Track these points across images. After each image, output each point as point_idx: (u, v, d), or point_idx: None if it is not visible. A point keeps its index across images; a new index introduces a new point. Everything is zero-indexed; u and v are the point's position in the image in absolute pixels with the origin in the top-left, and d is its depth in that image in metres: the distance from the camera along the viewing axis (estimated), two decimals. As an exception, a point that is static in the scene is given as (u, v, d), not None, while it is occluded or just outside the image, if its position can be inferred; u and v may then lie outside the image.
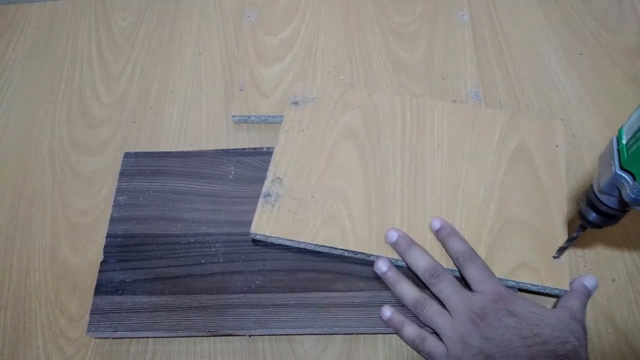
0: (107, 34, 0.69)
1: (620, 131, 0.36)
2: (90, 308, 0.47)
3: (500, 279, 0.45)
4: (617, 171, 0.35)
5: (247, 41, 0.65)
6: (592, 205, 0.39)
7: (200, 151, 0.57)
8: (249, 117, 0.59)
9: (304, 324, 0.46)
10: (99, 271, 0.49)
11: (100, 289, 0.48)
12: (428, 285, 0.45)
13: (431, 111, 0.56)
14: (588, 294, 0.45)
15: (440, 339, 0.43)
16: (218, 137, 0.59)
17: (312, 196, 0.50)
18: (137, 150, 0.57)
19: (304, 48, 0.64)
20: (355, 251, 0.48)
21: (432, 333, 0.44)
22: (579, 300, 0.44)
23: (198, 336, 0.47)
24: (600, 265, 0.50)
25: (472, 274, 0.44)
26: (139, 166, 0.55)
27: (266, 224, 0.49)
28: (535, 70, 0.63)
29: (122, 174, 0.55)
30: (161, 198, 0.53)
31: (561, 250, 0.46)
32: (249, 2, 0.69)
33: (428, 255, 0.46)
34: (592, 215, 0.39)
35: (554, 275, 0.46)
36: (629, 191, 0.34)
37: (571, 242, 0.44)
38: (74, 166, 0.58)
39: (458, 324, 0.42)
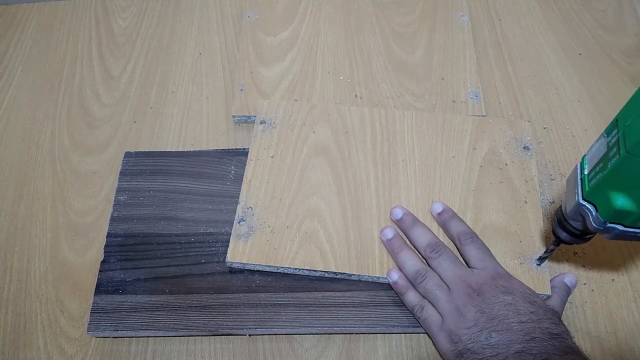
0: (108, 34, 0.69)
1: (583, 159, 0.36)
2: (91, 307, 0.47)
3: None
4: (581, 201, 0.35)
5: (247, 41, 0.65)
6: (562, 225, 0.40)
7: (200, 151, 0.57)
8: (249, 117, 0.59)
9: (303, 324, 0.46)
10: (100, 270, 0.49)
11: (100, 288, 0.48)
12: (428, 260, 0.46)
13: (400, 121, 0.55)
14: (568, 291, 0.46)
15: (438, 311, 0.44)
16: (218, 137, 0.59)
17: (287, 219, 0.49)
18: (137, 150, 0.57)
19: (304, 48, 0.64)
20: (335, 272, 0.47)
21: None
22: (559, 297, 0.45)
23: (198, 336, 0.47)
24: (600, 265, 0.50)
25: (472, 252, 0.45)
26: (140, 166, 0.55)
27: (242, 251, 0.48)
28: (534, 70, 0.63)
29: (123, 173, 0.55)
30: (162, 198, 0.53)
31: (541, 259, 0.46)
32: (249, 2, 0.69)
33: (431, 233, 0.48)
34: (563, 235, 0.40)
35: (535, 281, 0.46)
36: (592, 221, 0.35)
37: (549, 253, 0.45)
38: (74, 166, 0.58)
39: (455, 296, 0.43)
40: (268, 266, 0.48)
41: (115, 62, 0.66)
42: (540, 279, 0.46)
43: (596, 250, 0.50)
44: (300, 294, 0.47)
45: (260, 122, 0.56)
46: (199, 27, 0.69)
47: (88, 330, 0.46)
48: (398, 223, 0.49)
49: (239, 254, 0.48)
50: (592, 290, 0.49)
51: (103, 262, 0.49)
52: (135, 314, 0.46)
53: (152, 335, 0.47)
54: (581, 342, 0.46)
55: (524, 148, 0.53)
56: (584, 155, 0.36)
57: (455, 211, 0.49)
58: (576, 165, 0.37)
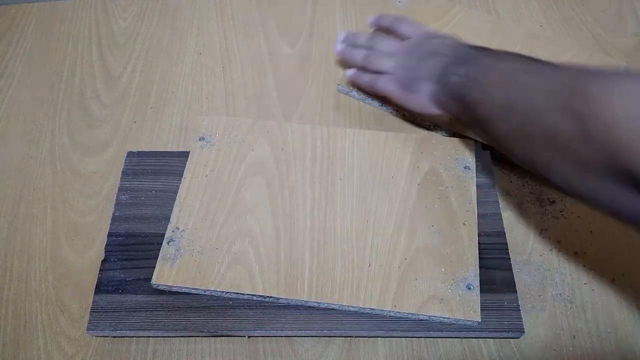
0: (108, 34, 0.69)
1: None
2: (91, 306, 0.47)
3: (411, 313, 0.45)
4: None
5: (247, 41, 0.65)
6: None
7: (200, 151, 0.57)
8: (351, 90, 0.60)
9: (303, 326, 0.46)
10: (100, 270, 0.49)
11: (100, 287, 0.48)
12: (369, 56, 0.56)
13: (342, 139, 0.54)
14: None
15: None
16: (218, 137, 0.59)
17: (217, 240, 0.48)
18: (138, 150, 0.57)
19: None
20: (263, 295, 0.46)
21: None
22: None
23: (198, 336, 0.47)
24: (600, 265, 0.50)
25: (405, 28, 0.56)
26: (142, 165, 0.55)
27: (168, 273, 0.46)
28: (535, 70, 0.63)
29: (125, 173, 0.55)
30: (163, 198, 0.53)
31: None
32: (250, 2, 0.69)
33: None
34: None
35: (465, 306, 0.45)
36: None
37: None
38: (74, 166, 0.58)
39: (398, 56, 0.54)
40: (195, 289, 0.47)
41: (115, 62, 0.66)
42: (470, 304, 0.45)
43: (596, 250, 0.51)
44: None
45: (199, 139, 0.55)
46: (199, 27, 0.69)
47: (88, 329, 0.46)
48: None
49: (164, 276, 0.47)
50: (593, 290, 0.49)
51: (103, 261, 0.49)
52: (135, 314, 0.46)
53: (152, 335, 0.47)
54: (581, 342, 0.46)
55: (465, 168, 0.52)
56: None
57: (390, 233, 0.48)
58: None
